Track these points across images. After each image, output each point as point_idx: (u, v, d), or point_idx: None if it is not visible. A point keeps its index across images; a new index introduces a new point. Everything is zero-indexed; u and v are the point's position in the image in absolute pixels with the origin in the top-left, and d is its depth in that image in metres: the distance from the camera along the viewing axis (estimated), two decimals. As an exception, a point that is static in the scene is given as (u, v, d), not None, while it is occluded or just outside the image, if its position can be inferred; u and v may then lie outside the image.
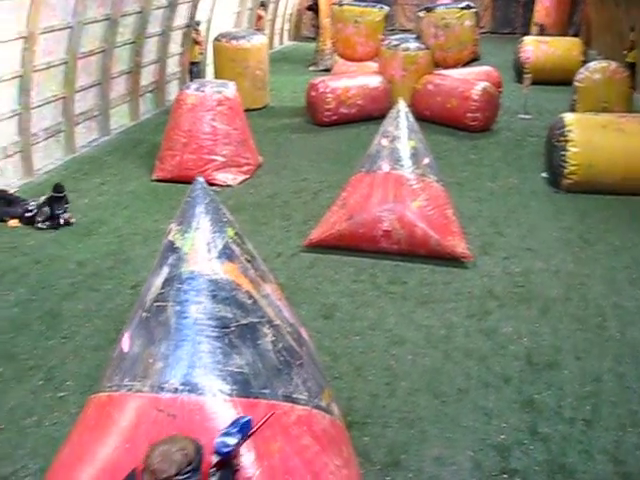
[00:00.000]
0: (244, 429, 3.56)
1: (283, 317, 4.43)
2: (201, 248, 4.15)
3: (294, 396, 4.15)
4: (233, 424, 3.57)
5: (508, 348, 7.29)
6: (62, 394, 6.44)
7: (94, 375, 6.11)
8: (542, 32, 25.35)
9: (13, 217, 10.33)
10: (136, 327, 4.19)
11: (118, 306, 7.91)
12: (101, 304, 8.07)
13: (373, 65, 17.56)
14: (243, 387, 3.96)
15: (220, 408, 3.88)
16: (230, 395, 3.91)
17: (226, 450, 3.48)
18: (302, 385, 4.24)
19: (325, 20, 22.97)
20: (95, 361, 6.76)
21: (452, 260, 9.00)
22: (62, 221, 10.21)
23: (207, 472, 3.44)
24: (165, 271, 4.16)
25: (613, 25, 23.30)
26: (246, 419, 3.61)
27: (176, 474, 3.24)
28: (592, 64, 15.85)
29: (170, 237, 4.25)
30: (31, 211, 10.26)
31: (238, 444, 3.53)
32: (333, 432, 4.39)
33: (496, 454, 5.76)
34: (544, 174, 12.60)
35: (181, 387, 3.89)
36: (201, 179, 4.40)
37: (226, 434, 3.52)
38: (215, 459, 3.49)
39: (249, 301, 4.17)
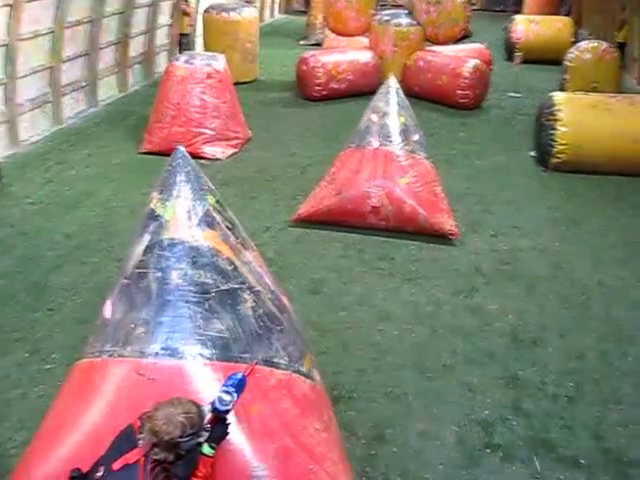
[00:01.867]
0: (240, 385, 3.59)
1: (264, 283, 4.44)
2: (182, 216, 4.17)
3: (274, 360, 4.19)
4: (229, 380, 3.60)
5: (493, 325, 7.33)
6: (48, 366, 6.41)
7: (80, 347, 6.09)
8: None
9: None
10: (117, 294, 4.22)
11: (105, 279, 7.83)
12: (88, 277, 8.03)
13: (364, 40, 17.46)
14: (223, 351, 3.99)
15: (200, 372, 3.92)
16: (210, 359, 3.95)
17: (224, 408, 3.51)
18: (282, 350, 4.27)
19: (316, -6, 22.78)
20: (81, 333, 6.67)
21: (440, 237, 9.00)
22: None
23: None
24: (146, 239, 4.17)
25: (604, 5, 23.24)
26: (241, 375, 3.62)
27: (179, 437, 3.28)
28: (582, 44, 15.83)
29: (151, 205, 4.26)
30: None
31: (235, 401, 3.56)
32: (313, 397, 4.43)
33: (480, 429, 5.80)
34: (532, 153, 12.61)
35: (161, 351, 3.92)
36: (182, 148, 4.41)
37: (224, 391, 3.55)
38: (211, 415, 3.52)
39: (229, 267, 4.19)
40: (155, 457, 3.28)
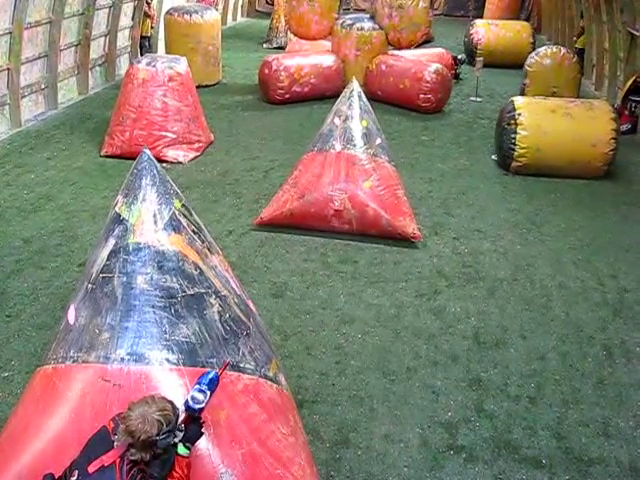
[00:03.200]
0: (213, 384, 3.59)
1: (230, 288, 4.44)
2: (147, 219, 4.14)
3: (241, 365, 4.20)
4: (202, 379, 3.58)
5: (456, 327, 7.39)
6: (6, 374, 6.29)
7: (40, 354, 5.98)
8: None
9: None
10: (82, 299, 4.17)
11: (65, 284, 7.77)
12: (48, 282, 7.91)
13: (327, 44, 17.51)
14: (189, 356, 3.99)
15: (166, 377, 3.91)
16: (176, 364, 3.94)
17: (198, 406, 3.52)
18: (249, 355, 4.28)
19: (279, -3, 22.78)
20: (41, 340, 6.63)
21: (402, 240, 9.06)
22: None
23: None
24: (111, 243, 4.14)
25: (563, 11, 23.63)
26: (214, 374, 3.62)
27: (156, 434, 3.27)
28: (542, 49, 16.05)
29: (116, 209, 4.22)
30: None
31: (208, 399, 3.55)
32: (280, 401, 4.44)
33: (443, 431, 5.85)
34: (494, 156, 12.76)
35: (127, 357, 3.91)
36: (148, 151, 4.36)
37: (197, 390, 3.54)
38: (184, 414, 3.52)
39: (196, 272, 4.18)
40: (131, 458, 3.27)
